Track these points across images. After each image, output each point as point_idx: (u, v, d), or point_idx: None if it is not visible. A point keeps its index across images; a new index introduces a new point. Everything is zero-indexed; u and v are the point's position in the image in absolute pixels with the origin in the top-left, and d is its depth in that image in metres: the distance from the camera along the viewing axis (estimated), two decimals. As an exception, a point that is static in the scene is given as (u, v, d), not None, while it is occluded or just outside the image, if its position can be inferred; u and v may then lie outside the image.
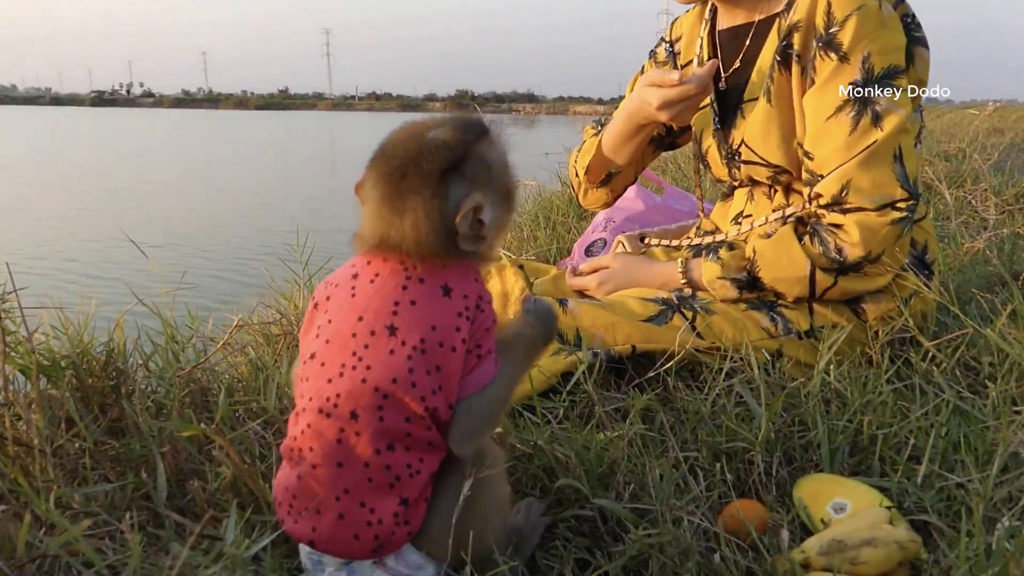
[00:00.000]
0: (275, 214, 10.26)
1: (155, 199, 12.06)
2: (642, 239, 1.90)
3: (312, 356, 0.79)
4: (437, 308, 0.77)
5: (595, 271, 1.67)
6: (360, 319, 0.78)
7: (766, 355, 1.39)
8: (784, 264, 1.40)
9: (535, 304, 0.88)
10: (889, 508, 0.95)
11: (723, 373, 1.27)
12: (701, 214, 1.92)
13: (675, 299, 1.47)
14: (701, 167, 1.79)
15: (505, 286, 1.63)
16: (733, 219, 1.67)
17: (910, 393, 1.29)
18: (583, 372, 1.27)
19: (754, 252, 1.43)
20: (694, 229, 1.83)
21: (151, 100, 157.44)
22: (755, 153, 1.50)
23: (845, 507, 0.98)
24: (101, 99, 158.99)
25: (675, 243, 1.79)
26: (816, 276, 1.39)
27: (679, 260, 1.55)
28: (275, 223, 9.05)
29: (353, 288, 0.80)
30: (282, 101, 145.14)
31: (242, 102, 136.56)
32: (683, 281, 1.53)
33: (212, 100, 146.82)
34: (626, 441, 1.01)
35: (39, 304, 1.29)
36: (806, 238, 1.39)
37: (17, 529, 0.73)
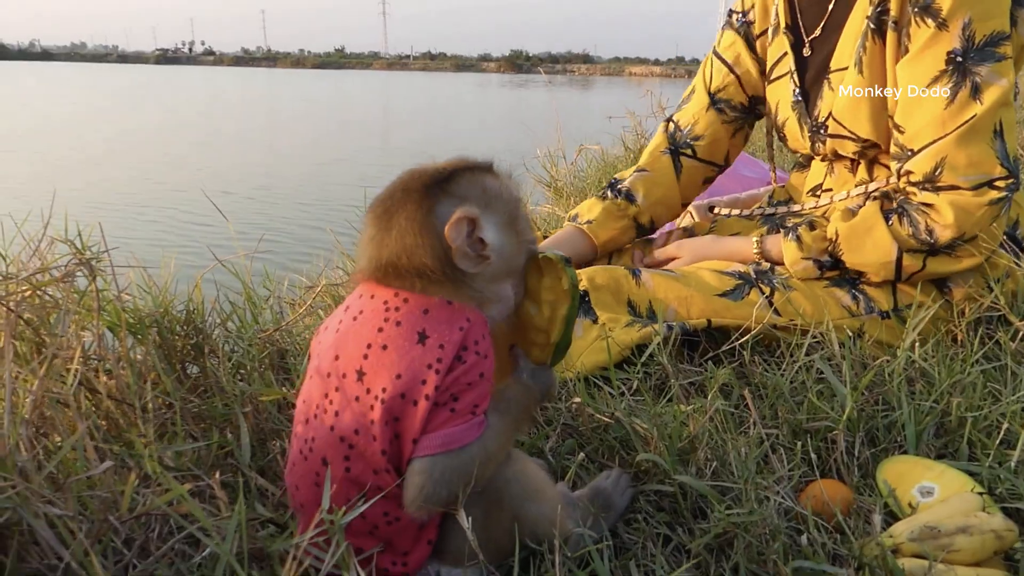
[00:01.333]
0: (337, 173, 10.36)
1: (226, 155, 12.28)
2: (711, 209, 1.85)
3: (300, 389, 0.79)
4: (406, 355, 0.72)
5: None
6: (336, 358, 0.75)
7: (848, 332, 1.35)
8: (869, 249, 1.35)
9: (532, 373, 0.84)
10: (981, 495, 0.92)
11: (803, 349, 1.24)
12: (774, 183, 1.87)
13: (752, 273, 1.43)
14: (775, 138, 1.73)
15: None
16: (811, 190, 1.61)
17: (999, 375, 1.24)
18: (657, 344, 1.25)
19: (836, 234, 1.37)
20: (766, 198, 1.78)
21: (211, 58, 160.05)
22: (844, 127, 1.43)
23: (933, 491, 0.95)
24: (164, 57, 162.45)
25: (746, 212, 1.74)
26: (903, 260, 1.33)
27: (753, 239, 1.50)
28: (336, 182, 9.15)
29: (340, 323, 0.77)
30: (338, 60, 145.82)
31: (299, 61, 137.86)
32: (757, 254, 1.49)
33: (270, 58, 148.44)
34: (707, 417, 0.99)
35: (124, 262, 1.32)
36: (894, 218, 1.34)
37: (121, 484, 0.75)
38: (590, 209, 1.70)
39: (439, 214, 0.73)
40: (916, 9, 1.28)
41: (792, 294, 1.40)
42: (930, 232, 1.30)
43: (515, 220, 0.79)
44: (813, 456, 1.03)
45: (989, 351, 1.32)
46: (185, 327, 1.31)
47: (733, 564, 0.82)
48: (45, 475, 0.75)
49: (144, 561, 0.77)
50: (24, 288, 1.00)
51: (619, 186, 1.72)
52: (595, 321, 1.39)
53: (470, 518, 0.74)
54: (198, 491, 0.93)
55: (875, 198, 1.40)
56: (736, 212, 1.76)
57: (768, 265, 1.47)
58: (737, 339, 1.34)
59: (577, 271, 1.42)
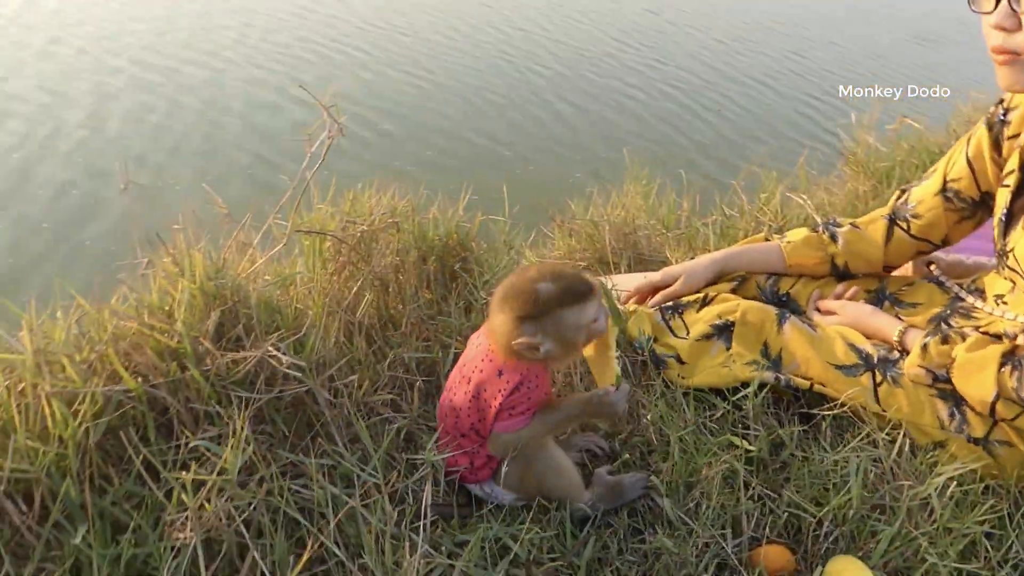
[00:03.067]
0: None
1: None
2: (929, 264, 1.97)
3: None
4: (489, 380, 1.30)
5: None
6: (464, 365, 1.36)
7: (930, 442, 1.57)
8: (974, 384, 1.50)
9: (604, 395, 1.35)
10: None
11: (858, 438, 1.53)
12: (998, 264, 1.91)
13: (876, 358, 1.67)
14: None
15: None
16: (996, 295, 1.71)
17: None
18: (754, 391, 1.63)
19: (954, 359, 1.54)
20: (971, 279, 1.85)
21: None
22: (1020, 267, 1.53)
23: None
24: None
25: (948, 283, 1.85)
26: (997, 405, 1.48)
27: (899, 328, 1.69)
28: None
29: (477, 344, 1.36)
30: None
31: None
32: (897, 342, 1.69)
33: None
34: (717, 472, 1.42)
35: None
36: (1008, 367, 1.47)
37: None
38: (796, 233, 1.97)
39: (524, 331, 1.27)
40: None
41: (897, 390, 1.62)
42: None
43: (569, 345, 1.30)
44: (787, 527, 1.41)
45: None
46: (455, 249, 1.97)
47: None
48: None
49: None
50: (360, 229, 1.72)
51: (831, 225, 1.94)
52: (727, 349, 1.77)
53: (512, 468, 1.36)
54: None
55: (1009, 341, 1.52)
56: (943, 279, 1.89)
57: (898, 355, 1.68)
58: (826, 410, 1.64)
59: (738, 301, 1.78)
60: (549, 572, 1.27)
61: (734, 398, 1.67)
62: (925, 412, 1.60)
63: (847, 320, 1.80)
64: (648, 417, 1.62)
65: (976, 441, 1.56)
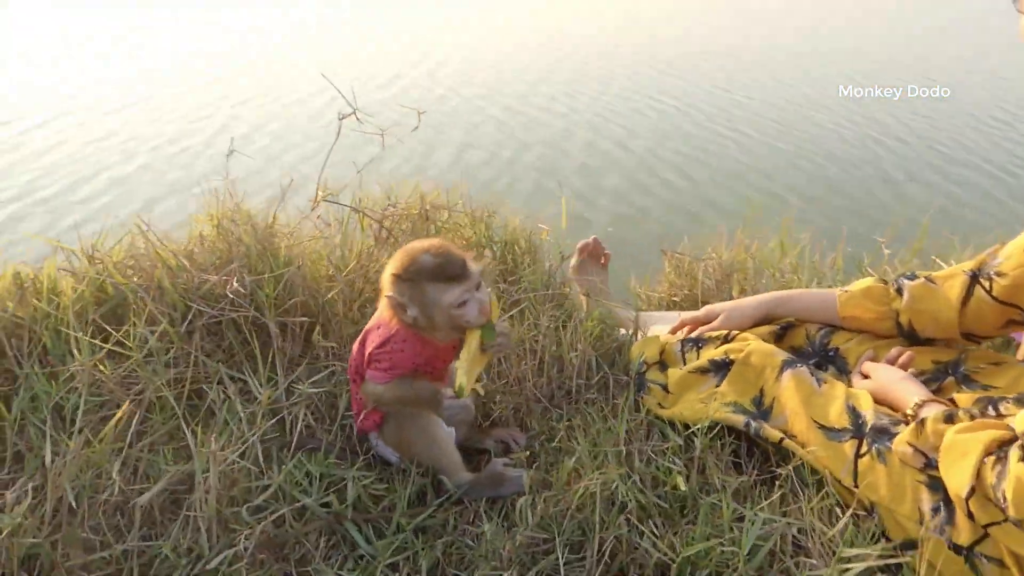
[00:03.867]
0: None
1: None
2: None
3: None
4: (372, 330, 1.39)
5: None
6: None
7: (902, 536, 1.24)
8: (954, 470, 1.16)
9: (440, 395, 1.37)
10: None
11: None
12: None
13: (870, 427, 1.35)
14: None
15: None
16: None
17: None
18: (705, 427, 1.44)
19: (945, 439, 1.20)
20: None
21: None
22: None
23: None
24: None
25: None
26: (971, 502, 1.12)
27: (917, 398, 1.35)
28: None
29: None
30: None
31: None
32: (911, 414, 1.35)
33: None
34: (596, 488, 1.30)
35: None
36: (991, 459, 1.11)
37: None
38: (860, 283, 1.66)
39: (395, 286, 1.32)
40: None
41: (879, 466, 1.29)
42: (1002, 497, 1.07)
43: (430, 311, 1.31)
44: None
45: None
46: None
47: None
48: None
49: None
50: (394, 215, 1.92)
51: (904, 278, 1.61)
52: (716, 387, 1.58)
53: (390, 425, 1.42)
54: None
55: (1007, 432, 1.14)
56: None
57: (896, 428, 1.34)
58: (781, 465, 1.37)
59: (750, 341, 1.59)
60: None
61: (686, 432, 1.48)
62: (905, 500, 1.26)
63: (875, 385, 1.48)
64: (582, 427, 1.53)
65: (958, 550, 1.18)
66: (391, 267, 1.33)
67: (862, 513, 1.29)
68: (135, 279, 1.60)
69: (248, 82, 7.88)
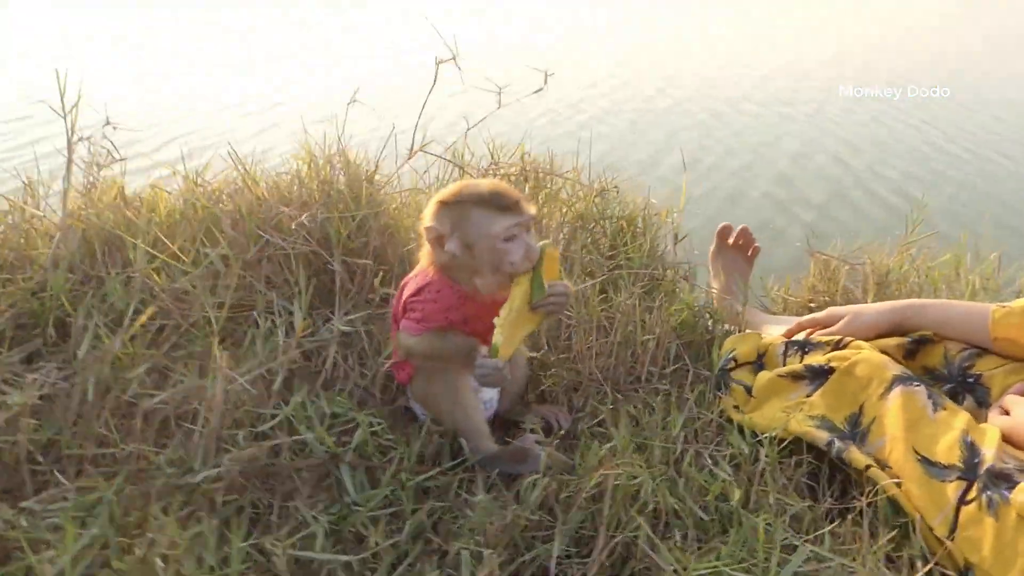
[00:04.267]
0: None
1: None
2: None
3: None
4: (411, 279, 1.29)
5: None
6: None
7: None
8: None
9: (476, 352, 1.18)
10: None
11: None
12: None
13: (988, 469, 1.04)
14: None
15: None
16: None
17: None
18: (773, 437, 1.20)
19: None
20: None
21: None
22: None
23: None
24: None
25: None
26: None
27: None
28: None
29: None
30: None
31: None
32: None
33: None
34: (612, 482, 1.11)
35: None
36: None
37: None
38: (1023, 300, 1.31)
39: (438, 214, 1.20)
40: None
41: (987, 519, 0.98)
42: None
43: (473, 242, 1.17)
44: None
45: None
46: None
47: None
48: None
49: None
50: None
51: None
52: (808, 396, 1.31)
53: (418, 379, 1.32)
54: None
55: None
56: None
57: (1023, 476, 1.02)
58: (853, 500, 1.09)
59: (862, 349, 1.32)
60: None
61: (753, 440, 1.23)
62: (1015, 567, 0.95)
63: (1014, 423, 1.15)
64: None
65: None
66: (437, 196, 1.23)
67: (950, 574, 0.99)
68: (221, 205, 1.64)
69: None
